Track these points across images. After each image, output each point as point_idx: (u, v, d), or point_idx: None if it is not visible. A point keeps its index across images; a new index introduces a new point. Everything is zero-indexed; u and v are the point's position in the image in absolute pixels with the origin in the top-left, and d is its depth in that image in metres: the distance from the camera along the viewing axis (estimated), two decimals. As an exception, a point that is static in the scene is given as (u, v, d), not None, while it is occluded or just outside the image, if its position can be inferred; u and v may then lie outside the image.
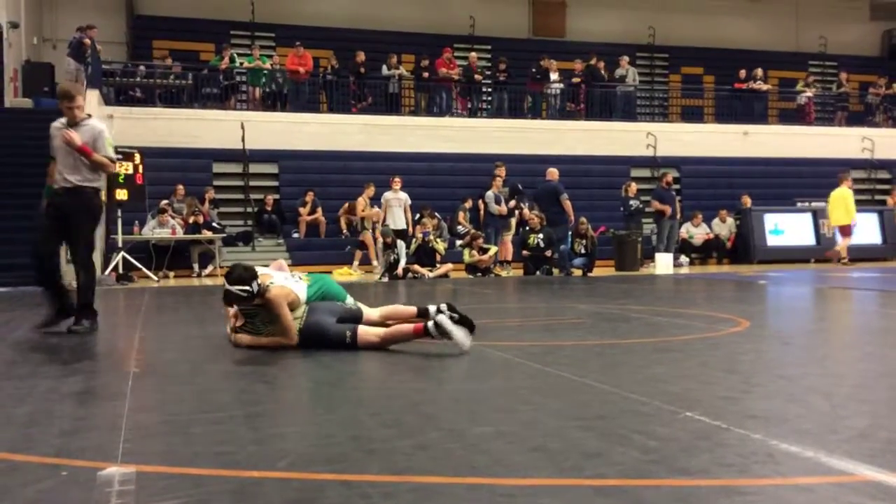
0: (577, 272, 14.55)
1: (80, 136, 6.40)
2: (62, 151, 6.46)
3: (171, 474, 2.73)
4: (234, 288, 5.30)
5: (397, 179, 15.22)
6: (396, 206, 14.99)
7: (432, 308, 5.61)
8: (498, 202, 15.68)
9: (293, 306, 5.40)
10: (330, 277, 6.07)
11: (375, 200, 15.57)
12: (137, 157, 14.09)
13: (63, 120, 6.54)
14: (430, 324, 5.29)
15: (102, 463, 2.79)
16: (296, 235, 16.37)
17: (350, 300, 5.82)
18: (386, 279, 13.75)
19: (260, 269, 5.58)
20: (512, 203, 15.70)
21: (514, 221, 15.86)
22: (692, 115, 22.05)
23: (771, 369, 4.90)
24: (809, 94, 22.35)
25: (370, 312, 5.68)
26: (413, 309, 5.78)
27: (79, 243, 6.59)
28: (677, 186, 18.17)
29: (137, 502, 2.42)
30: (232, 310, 5.63)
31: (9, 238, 13.48)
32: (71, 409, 3.88)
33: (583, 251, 14.82)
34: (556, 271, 14.63)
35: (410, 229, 14.94)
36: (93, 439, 3.26)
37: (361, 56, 19.21)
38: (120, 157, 13.73)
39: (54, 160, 6.58)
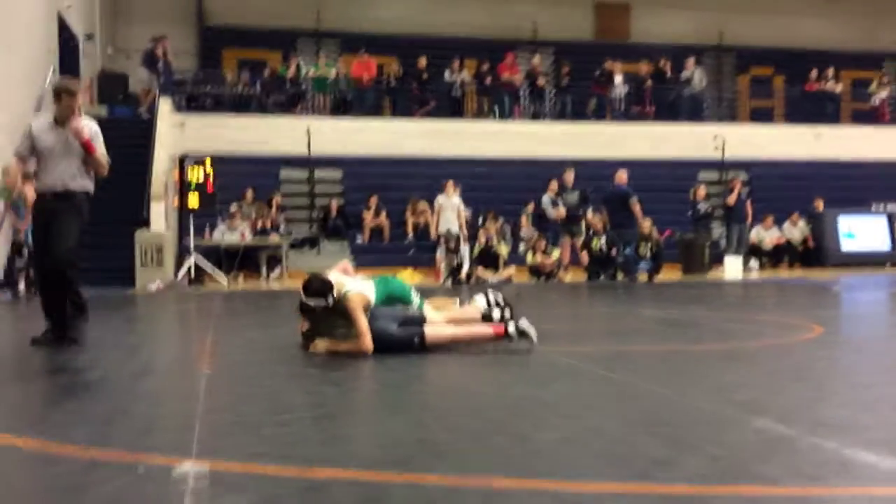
0: (643, 277, 14.36)
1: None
2: (54, 152, 5.94)
3: (243, 473, 2.80)
4: (313, 300, 5.40)
5: (451, 184, 15.29)
6: (449, 211, 15.06)
7: (496, 314, 5.68)
8: (555, 206, 15.61)
9: (366, 310, 5.46)
10: (392, 276, 6.10)
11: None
12: (208, 164, 14.43)
13: (48, 118, 6.10)
14: (512, 328, 5.40)
15: (177, 460, 2.87)
16: (360, 240, 16.56)
17: (415, 297, 5.85)
18: (449, 283, 13.81)
19: (333, 277, 5.63)
20: (563, 210, 15.49)
21: (583, 226, 15.66)
22: (762, 116, 21.55)
23: (845, 377, 4.78)
24: (884, 94, 21.65)
25: (433, 316, 5.70)
26: (477, 314, 5.81)
27: (62, 236, 5.91)
28: (746, 189, 17.80)
29: (211, 499, 2.49)
30: (302, 324, 5.69)
31: (82, 242, 13.95)
32: (146, 409, 4.01)
33: (648, 255, 14.63)
34: (620, 276, 14.47)
35: (464, 234, 14.92)
36: (167, 437, 3.36)
37: (424, 61, 19.34)
38: (192, 162, 14.20)
39: (23, 160, 6.16)
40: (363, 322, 5.32)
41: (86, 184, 6.10)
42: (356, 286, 5.56)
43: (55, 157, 5.95)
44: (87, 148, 5.96)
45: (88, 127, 6.04)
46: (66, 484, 2.70)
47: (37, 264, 6.43)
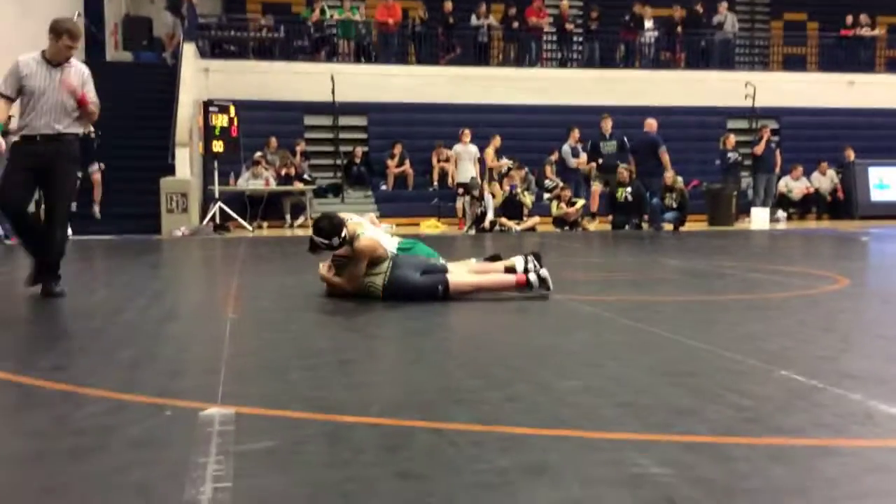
0: (668, 227, 14.27)
1: (71, 78, 5.65)
2: (46, 95, 5.59)
3: (269, 416, 2.84)
4: (317, 238, 5.54)
5: (467, 132, 15.22)
6: (466, 159, 15.02)
7: (520, 265, 5.70)
8: (575, 155, 15.43)
9: (379, 259, 5.48)
10: (422, 243, 6.13)
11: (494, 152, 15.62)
12: (232, 110, 14.42)
13: (36, 56, 5.66)
14: (534, 277, 5.52)
15: (203, 404, 2.92)
16: (384, 188, 16.53)
17: (440, 261, 5.87)
18: (473, 232, 13.79)
19: (353, 218, 5.69)
20: (584, 159, 15.35)
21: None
22: (794, 63, 21.09)
23: (870, 329, 4.73)
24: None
25: (458, 269, 5.71)
26: (500, 266, 5.83)
27: (62, 197, 5.76)
28: (776, 138, 17.54)
29: (237, 442, 2.53)
30: (325, 263, 5.78)
31: (110, 188, 14.07)
32: (173, 353, 4.07)
33: (674, 205, 14.51)
34: (645, 226, 14.38)
35: (479, 182, 14.83)
36: (194, 381, 3.41)
37: (449, 6, 19.04)
38: (216, 108, 14.20)
39: (8, 99, 5.67)
40: (359, 269, 5.46)
41: (77, 127, 5.83)
42: (374, 233, 5.59)
43: (46, 100, 5.60)
44: (80, 103, 5.68)
45: (80, 73, 5.74)
46: (95, 425, 2.74)
47: (9, 208, 5.85)
